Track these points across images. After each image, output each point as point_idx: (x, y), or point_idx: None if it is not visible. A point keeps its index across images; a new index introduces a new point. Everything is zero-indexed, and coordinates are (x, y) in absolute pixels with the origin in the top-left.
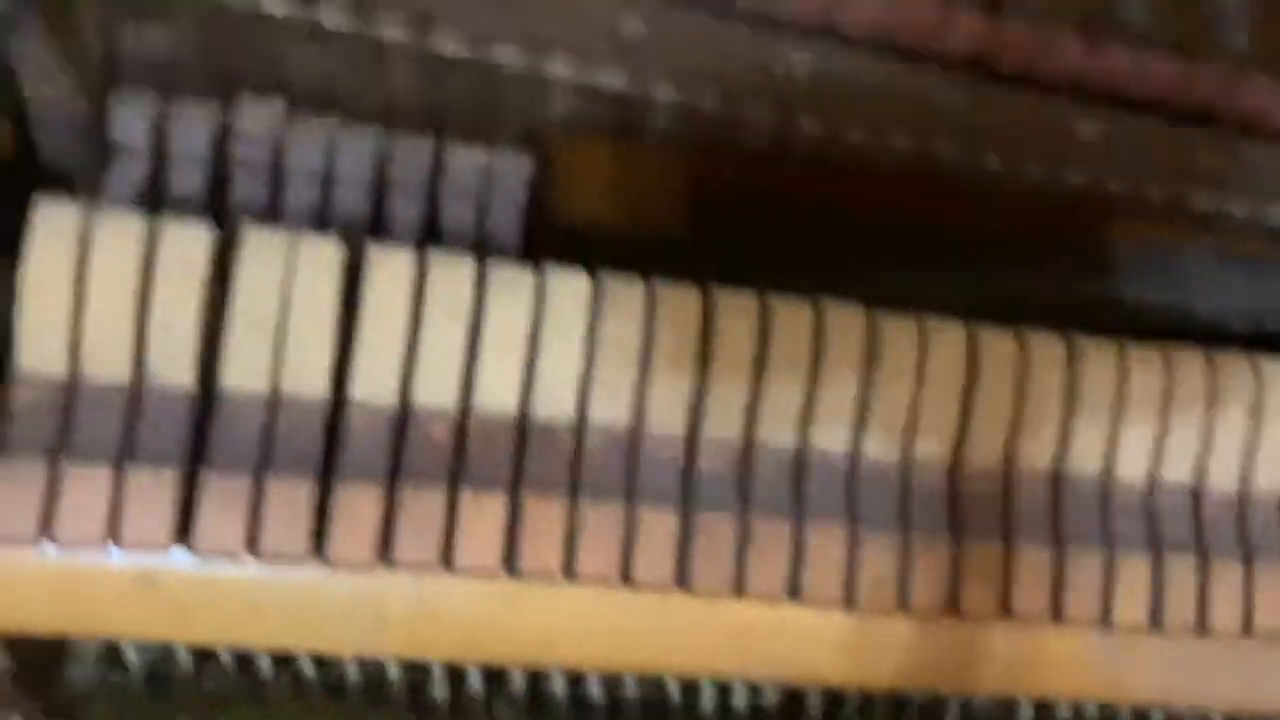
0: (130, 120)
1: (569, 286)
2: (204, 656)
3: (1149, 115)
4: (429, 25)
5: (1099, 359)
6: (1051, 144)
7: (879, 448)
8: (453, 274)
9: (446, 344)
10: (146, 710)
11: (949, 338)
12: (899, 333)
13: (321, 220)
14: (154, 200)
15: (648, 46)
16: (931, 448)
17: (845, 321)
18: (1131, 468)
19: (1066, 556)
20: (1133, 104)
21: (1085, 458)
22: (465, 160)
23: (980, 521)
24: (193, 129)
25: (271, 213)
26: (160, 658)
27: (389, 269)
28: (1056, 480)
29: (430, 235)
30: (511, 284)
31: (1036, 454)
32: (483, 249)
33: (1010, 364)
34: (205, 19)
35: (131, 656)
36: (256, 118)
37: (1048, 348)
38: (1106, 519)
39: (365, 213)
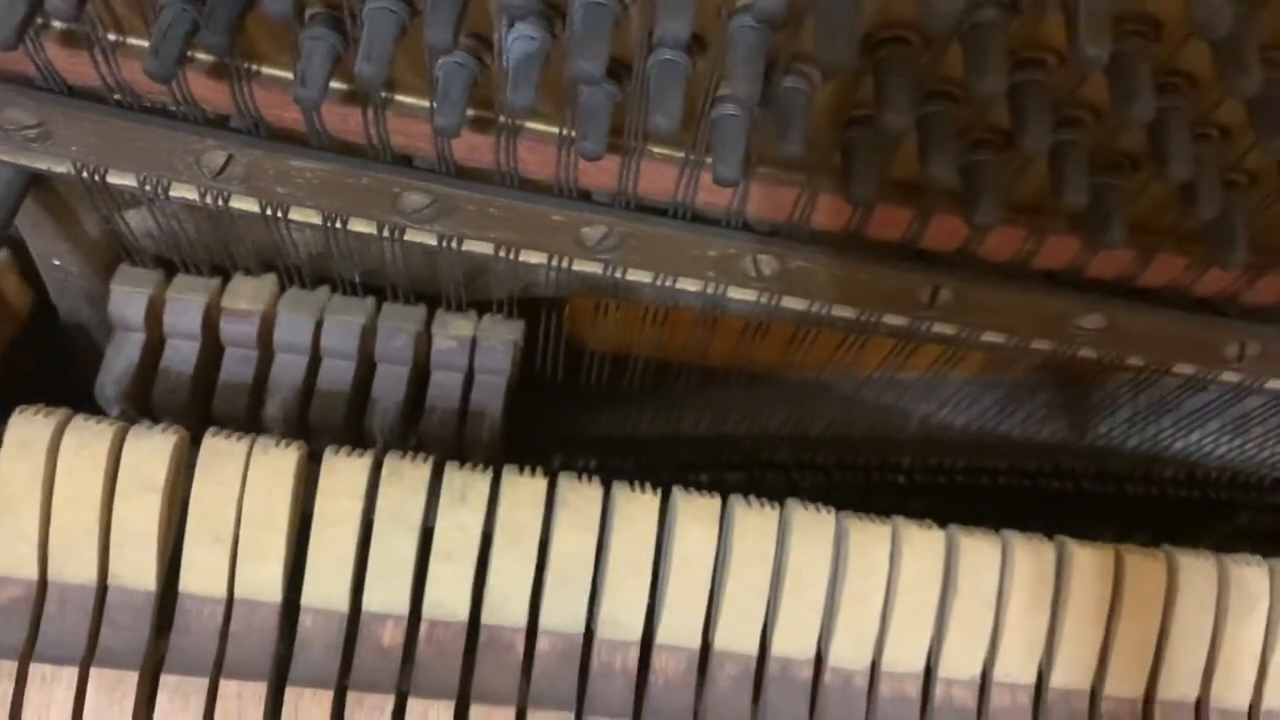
0: (127, 300)
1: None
2: None
3: None
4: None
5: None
6: None
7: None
8: (398, 484)
9: (395, 554)
10: None
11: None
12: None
13: (307, 394)
14: (148, 374)
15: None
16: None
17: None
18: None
19: None
20: None
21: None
22: (451, 330)
23: None
24: (186, 307)
25: (259, 386)
26: None
27: (341, 475)
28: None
29: (416, 404)
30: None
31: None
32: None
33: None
34: (188, 209)
35: None
36: (248, 296)
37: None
38: None
39: (351, 384)
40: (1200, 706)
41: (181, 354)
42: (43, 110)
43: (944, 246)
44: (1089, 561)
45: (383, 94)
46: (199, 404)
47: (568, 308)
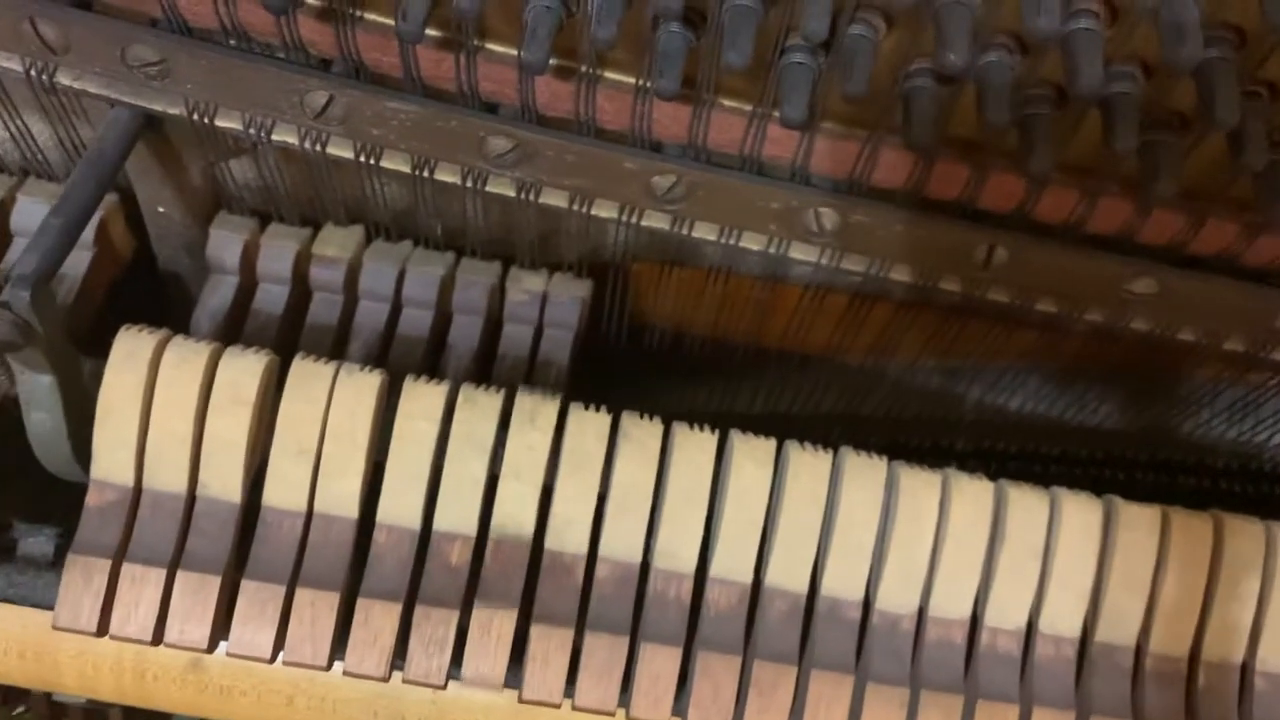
0: (224, 243)
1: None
2: None
3: None
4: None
5: None
6: None
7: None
8: (472, 409)
9: (466, 474)
10: None
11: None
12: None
13: (387, 339)
14: (240, 314)
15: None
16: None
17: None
18: None
19: None
20: None
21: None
22: (524, 285)
23: None
24: (279, 252)
25: (342, 330)
26: None
27: (419, 399)
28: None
29: (488, 354)
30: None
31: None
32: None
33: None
34: (286, 157)
35: None
36: (336, 243)
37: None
38: None
39: (429, 331)
40: (1245, 669)
41: (272, 296)
42: (165, 48)
43: (1000, 206)
44: (1136, 519)
45: (474, 41)
46: (286, 345)
47: (633, 277)
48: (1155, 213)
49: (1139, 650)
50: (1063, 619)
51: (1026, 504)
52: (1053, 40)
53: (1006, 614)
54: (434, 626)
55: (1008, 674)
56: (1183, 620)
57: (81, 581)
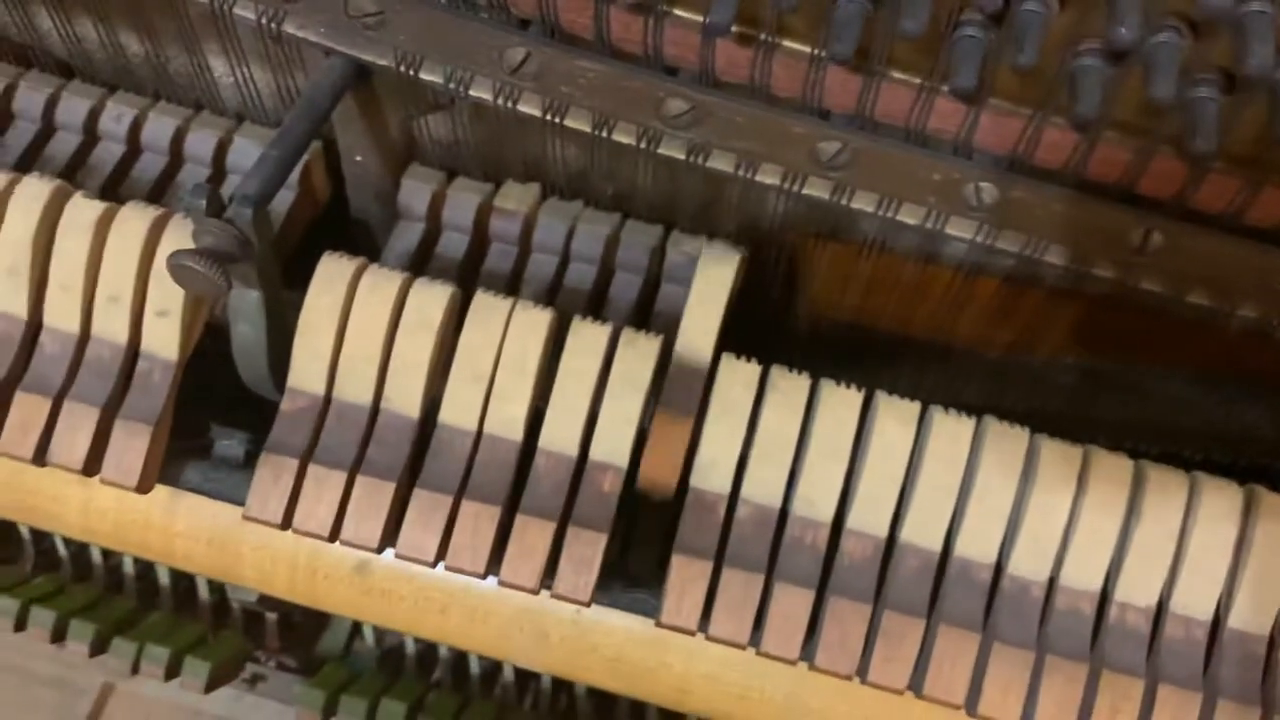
0: (415, 192)
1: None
2: (428, 646)
3: None
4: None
5: None
6: None
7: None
8: (633, 348)
9: (626, 410)
10: (373, 678)
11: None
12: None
13: (555, 289)
14: (424, 258)
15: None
16: None
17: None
18: None
19: None
20: None
21: None
22: (683, 247)
23: None
24: (463, 203)
25: (515, 279)
26: (396, 640)
27: (586, 338)
28: None
29: (645, 310)
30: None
31: None
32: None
33: None
34: (477, 115)
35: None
36: (515, 198)
37: None
38: None
39: (593, 285)
40: None
41: (454, 243)
42: (383, 0)
43: (1160, 191)
44: (1278, 508)
45: (663, 6)
46: (464, 289)
47: (786, 252)
48: None
49: (1273, 640)
50: (1195, 601)
51: (1165, 484)
52: (1225, 19)
53: (1137, 591)
54: (584, 546)
55: (1135, 649)
56: None
57: (271, 477)
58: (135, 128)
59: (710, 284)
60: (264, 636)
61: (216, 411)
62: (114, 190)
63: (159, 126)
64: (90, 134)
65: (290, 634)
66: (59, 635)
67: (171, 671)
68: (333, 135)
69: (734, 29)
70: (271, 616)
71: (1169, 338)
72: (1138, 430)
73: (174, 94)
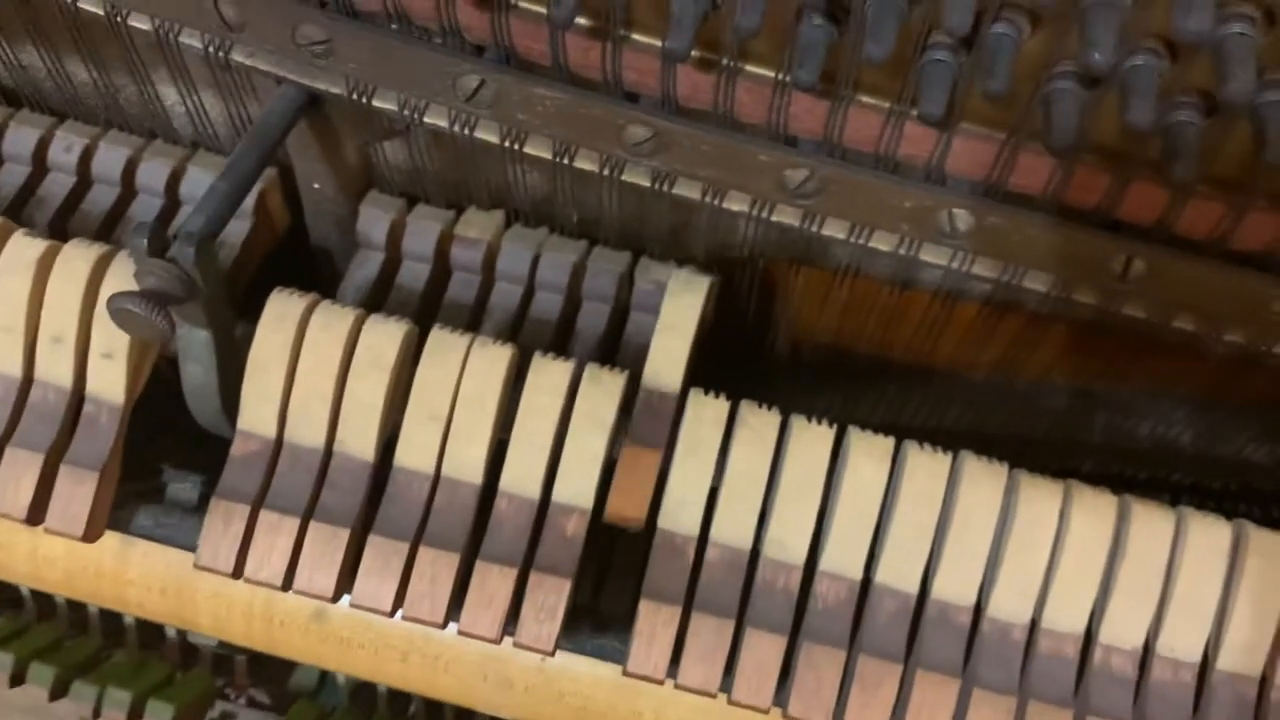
0: (373, 220)
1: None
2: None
3: None
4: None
5: None
6: None
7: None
8: (596, 386)
9: (591, 449)
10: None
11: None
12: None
13: (520, 319)
14: (384, 288)
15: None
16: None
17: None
18: None
19: None
20: None
21: None
22: (652, 275)
23: None
24: (424, 231)
25: (478, 309)
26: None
27: (548, 374)
28: None
29: (613, 340)
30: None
31: None
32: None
33: None
34: (435, 141)
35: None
36: (477, 226)
37: None
38: None
39: (559, 315)
40: None
41: (414, 273)
42: (332, 28)
43: (1141, 217)
44: (1268, 546)
45: (620, 31)
46: (424, 320)
47: (759, 276)
48: None
49: (1264, 681)
50: (1182, 642)
51: (1150, 520)
52: (1203, 43)
53: (1123, 632)
54: (547, 594)
55: (1120, 694)
56: None
57: (222, 524)
58: (85, 158)
59: (679, 311)
60: (234, 673)
61: (179, 445)
62: (63, 224)
63: (110, 156)
64: (39, 165)
65: (261, 670)
66: (18, 680)
67: (135, 715)
68: (290, 162)
69: (694, 54)
70: (240, 657)
71: (1156, 362)
72: (1126, 454)
73: (127, 123)
